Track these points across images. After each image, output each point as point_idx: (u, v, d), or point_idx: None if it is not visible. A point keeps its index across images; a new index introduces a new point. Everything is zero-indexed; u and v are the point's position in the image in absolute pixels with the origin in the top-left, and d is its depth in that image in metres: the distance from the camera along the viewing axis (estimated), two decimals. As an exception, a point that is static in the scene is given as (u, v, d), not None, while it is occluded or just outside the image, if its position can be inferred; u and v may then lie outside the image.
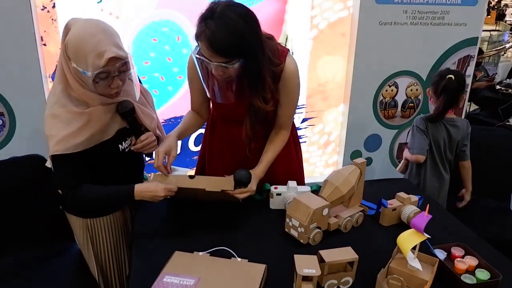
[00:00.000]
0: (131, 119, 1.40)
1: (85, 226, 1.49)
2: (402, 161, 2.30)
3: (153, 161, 1.44)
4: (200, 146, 1.86)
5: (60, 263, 1.69)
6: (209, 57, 1.26)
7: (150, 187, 1.34)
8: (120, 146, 1.42)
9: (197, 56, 1.29)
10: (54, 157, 1.30)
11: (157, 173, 1.41)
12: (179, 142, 1.77)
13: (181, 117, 2.68)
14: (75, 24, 1.25)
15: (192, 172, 1.49)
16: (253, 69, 1.30)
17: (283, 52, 1.43)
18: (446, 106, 2.07)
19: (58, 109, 1.28)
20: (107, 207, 1.50)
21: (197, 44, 1.29)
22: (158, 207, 1.57)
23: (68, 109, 1.28)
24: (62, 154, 1.27)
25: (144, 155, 1.61)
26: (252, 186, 1.42)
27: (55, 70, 2.45)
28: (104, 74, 1.24)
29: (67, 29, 1.26)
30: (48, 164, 1.38)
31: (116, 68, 1.25)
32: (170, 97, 2.64)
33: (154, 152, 1.47)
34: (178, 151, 1.49)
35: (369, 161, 3.05)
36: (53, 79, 2.44)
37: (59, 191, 1.36)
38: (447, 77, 2.04)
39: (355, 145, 3.01)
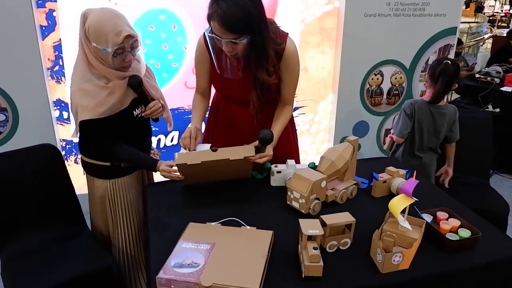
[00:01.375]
0: (140, 90, 1.65)
1: (105, 187, 1.73)
2: (388, 139, 2.46)
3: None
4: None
5: (74, 244, 1.80)
6: (220, 34, 1.41)
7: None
8: (134, 112, 1.68)
9: (209, 34, 1.45)
10: (87, 122, 1.54)
11: (180, 152, 1.55)
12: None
13: (178, 109, 2.79)
14: (91, 12, 1.50)
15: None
16: (258, 44, 1.46)
17: (284, 34, 1.59)
18: (445, 89, 2.21)
19: (85, 84, 1.53)
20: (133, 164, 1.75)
21: (209, 25, 1.44)
22: (168, 185, 1.70)
23: (94, 83, 1.54)
24: (92, 119, 1.53)
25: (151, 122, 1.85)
26: (270, 151, 1.58)
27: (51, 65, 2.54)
28: (120, 50, 1.50)
29: (84, 17, 1.50)
30: (74, 135, 1.66)
31: (130, 45, 1.51)
32: (164, 83, 2.75)
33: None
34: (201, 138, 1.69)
35: (357, 147, 3.20)
36: (51, 76, 2.54)
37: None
38: (444, 62, 2.19)
39: (344, 132, 3.17)
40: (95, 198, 1.77)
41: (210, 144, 1.62)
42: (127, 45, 1.50)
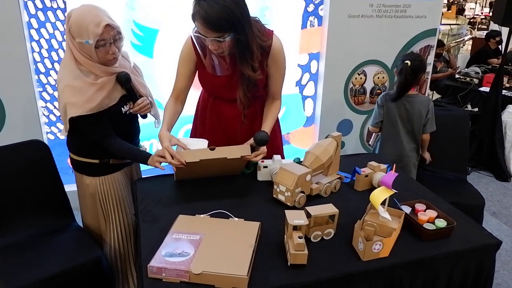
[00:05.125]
0: (128, 86, 1.68)
1: (94, 184, 1.75)
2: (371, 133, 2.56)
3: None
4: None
5: (63, 237, 1.83)
6: (205, 33, 1.46)
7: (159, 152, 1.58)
8: (122, 109, 1.70)
9: (195, 34, 1.51)
10: (76, 119, 1.56)
11: (178, 150, 1.57)
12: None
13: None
14: (74, 10, 1.54)
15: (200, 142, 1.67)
16: (242, 41, 1.51)
17: (270, 32, 1.65)
18: (402, 87, 2.33)
19: (74, 81, 1.55)
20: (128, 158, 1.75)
21: (194, 24, 1.49)
22: (158, 180, 1.76)
23: (82, 80, 1.56)
24: (81, 116, 1.54)
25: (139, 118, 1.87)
26: (264, 148, 1.65)
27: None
28: (102, 42, 1.52)
29: (68, 16, 1.54)
30: (63, 134, 1.69)
31: (111, 36, 1.54)
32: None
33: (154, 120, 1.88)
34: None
35: (341, 144, 3.27)
36: (36, 72, 2.55)
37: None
38: (404, 62, 2.28)
39: (329, 130, 3.19)
40: (85, 196, 1.79)
41: (207, 141, 1.64)
42: (109, 36, 1.52)
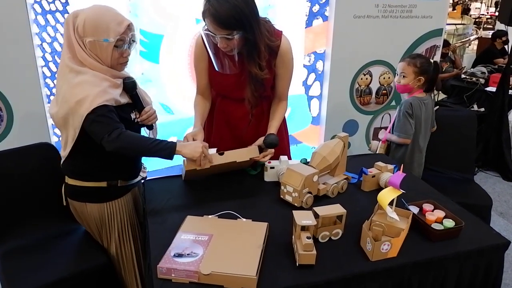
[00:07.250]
0: (135, 93, 1.59)
1: (101, 211, 1.62)
2: (380, 144, 2.45)
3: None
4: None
5: (70, 241, 1.83)
6: (214, 30, 1.50)
7: (191, 143, 1.54)
8: (132, 115, 1.59)
9: (205, 32, 1.54)
10: (96, 110, 1.38)
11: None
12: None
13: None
14: (83, 10, 1.45)
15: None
16: (250, 40, 1.54)
17: (278, 32, 1.68)
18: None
19: (82, 77, 1.42)
20: (144, 150, 1.49)
21: (204, 22, 1.52)
22: (165, 181, 1.76)
23: (92, 73, 1.44)
24: (100, 105, 1.39)
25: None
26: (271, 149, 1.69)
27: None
28: (121, 42, 1.47)
29: (74, 16, 1.45)
30: (62, 153, 1.55)
31: (129, 37, 1.49)
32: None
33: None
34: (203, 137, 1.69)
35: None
36: (43, 76, 2.56)
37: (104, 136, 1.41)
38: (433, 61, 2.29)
39: (334, 130, 3.21)
40: (88, 223, 1.67)
41: (215, 148, 1.63)
42: (127, 38, 1.47)
